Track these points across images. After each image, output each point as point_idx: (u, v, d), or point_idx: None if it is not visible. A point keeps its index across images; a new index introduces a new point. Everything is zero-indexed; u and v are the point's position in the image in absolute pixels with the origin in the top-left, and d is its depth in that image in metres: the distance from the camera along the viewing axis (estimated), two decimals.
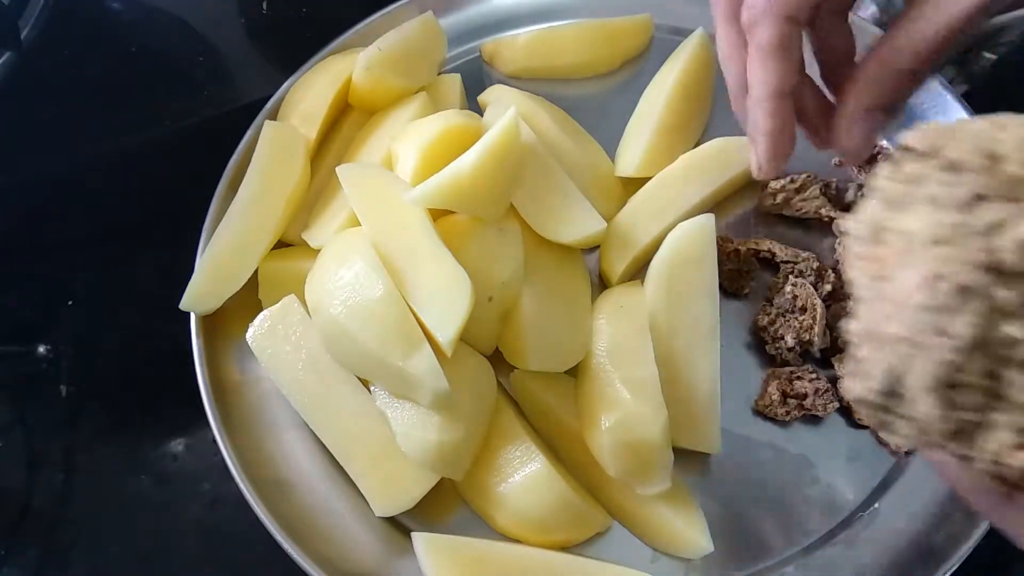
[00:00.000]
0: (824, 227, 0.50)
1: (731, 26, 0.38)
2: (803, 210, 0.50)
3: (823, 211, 0.49)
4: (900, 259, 0.21)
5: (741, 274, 0.49)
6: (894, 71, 0.33)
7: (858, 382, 0.22)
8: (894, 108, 0.34)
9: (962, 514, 0.41)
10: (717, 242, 0.47)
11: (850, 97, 0.34)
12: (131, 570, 0.48)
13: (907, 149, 0.23)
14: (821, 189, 0.50)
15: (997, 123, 0.22)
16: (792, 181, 0.50)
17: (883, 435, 0.22)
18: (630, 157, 0.51)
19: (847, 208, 0.50)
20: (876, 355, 0.21)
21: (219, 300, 0.46)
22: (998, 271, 0.19)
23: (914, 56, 0.32)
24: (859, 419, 0.44)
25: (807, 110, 0.39)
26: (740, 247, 0.49)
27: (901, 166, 0.23)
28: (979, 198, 0.20)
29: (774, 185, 0.50)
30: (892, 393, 0.21)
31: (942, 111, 0.50)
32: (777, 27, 0.34)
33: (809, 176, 0.50)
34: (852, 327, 0.22)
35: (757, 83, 0.36)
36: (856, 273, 0.22)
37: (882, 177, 0.23)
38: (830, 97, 0.38)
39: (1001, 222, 0.20)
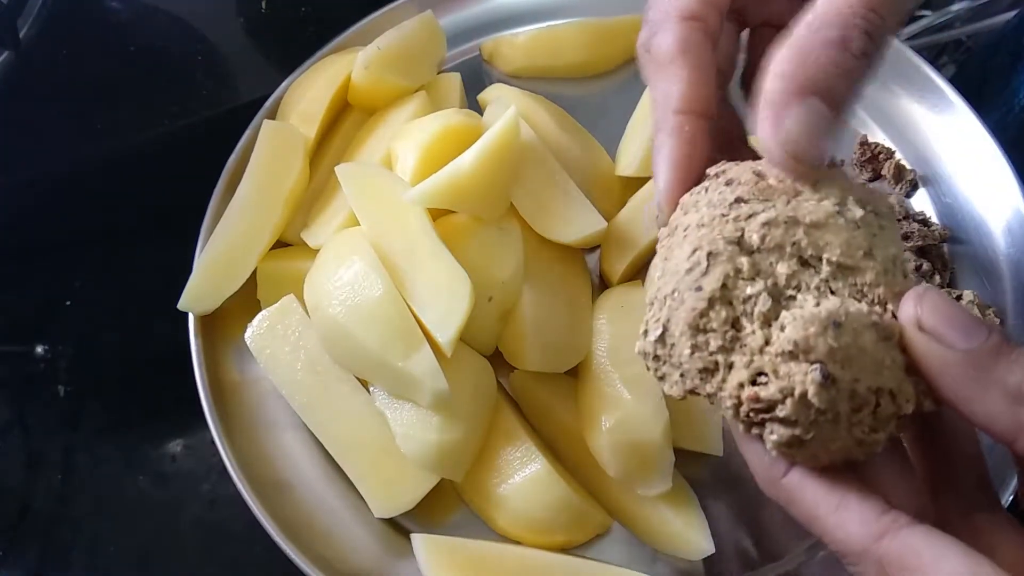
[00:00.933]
0: None
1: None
2: None
3: None
4: (680, 243, 0.27)
5: None
6: (823, 39, 0.24)
7: (641, 339, 0.27)
8: (840, 99, 0.25)
9: None
10: None
11: (776, 77, 0.25)
12: (131, 570, 0.48)
13: (705, 175, 0.29)
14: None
15: None
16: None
17: (663, 388, 0.27)
18: (630, 157, 0.51)
19: None
20: (655, 314, 0.27)
21: (218, 300, 0.46)
22: (743, 246, 0.25)
23: (842, 16, 0.24)
24: None
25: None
26: None
27: (699, 185, 0.29)
28: (740, 200, 0.26)
29: None
30: (663, 341, 0.26)
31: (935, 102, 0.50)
32: (677, 29, 0.29)
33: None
34: (646, 297, 0.28)
35: (659, 98, 0.30)
36: (655, 260, 0.28)
37: (685, 194, 0.29)
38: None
39: (752, 213, 0.26)
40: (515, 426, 0.44)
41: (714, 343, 0.25)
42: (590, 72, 0.57)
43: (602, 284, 0.50)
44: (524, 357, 0.44)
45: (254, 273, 0.47)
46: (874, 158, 0.50)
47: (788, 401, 0.23)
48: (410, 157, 0.45)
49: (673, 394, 0.27)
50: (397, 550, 0.43)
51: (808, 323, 0.23)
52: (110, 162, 0.60)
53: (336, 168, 0.46)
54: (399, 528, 0.44)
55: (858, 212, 0.26)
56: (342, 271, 0.41)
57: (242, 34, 0.65)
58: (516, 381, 0.46)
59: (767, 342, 0.24)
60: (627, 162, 0.51)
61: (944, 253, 0.47)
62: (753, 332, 0.25)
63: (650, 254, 0.47)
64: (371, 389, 0.43)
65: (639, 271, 0.48)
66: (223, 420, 0.45)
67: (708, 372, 0.25)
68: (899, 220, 0.48)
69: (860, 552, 0.23)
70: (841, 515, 0.24)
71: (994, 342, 0.23)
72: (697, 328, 0.25)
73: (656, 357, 0.27)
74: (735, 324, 0.25)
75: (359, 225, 0.44)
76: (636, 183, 0.51)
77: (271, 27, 0.66)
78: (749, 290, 0.25)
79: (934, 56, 0.59)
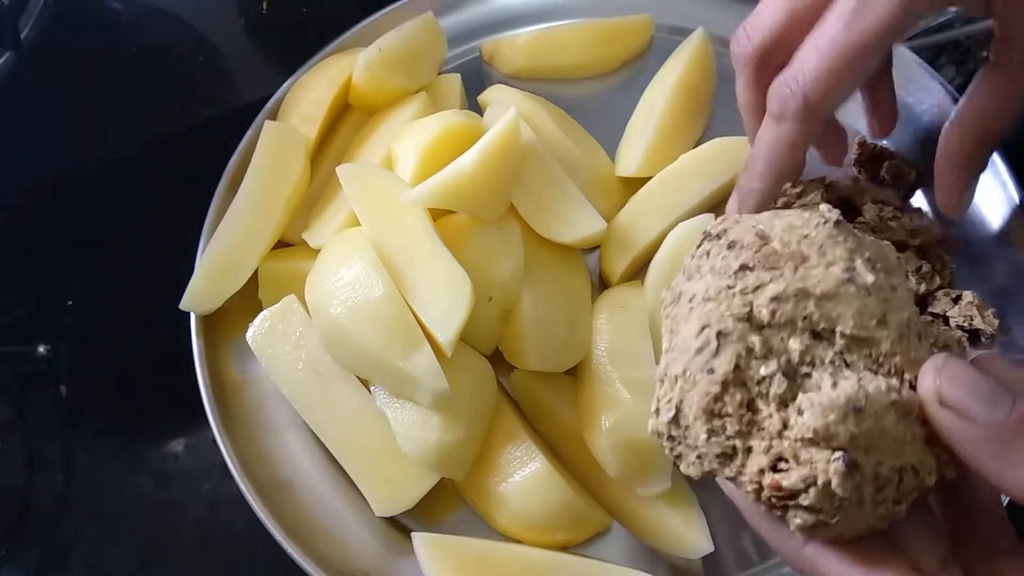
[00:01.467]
0: None
1: (754, 91, 0.38)
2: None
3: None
4: (685, 315, 0.26)
5: None
6: (971, 147, 0.37)
7: (653, 417, 0.27)
8: (980, 166, 0.39)
9: None
10: None
11: (950, 177, 0.39)
12: (131, 570, 0.48)
13: (706, 234, 0.29)
14: (822, 195, 0.49)
15: (777, 213, 0.28)
16: (793, 186, 0.50)
17: (679, 467, 0.27)
18: (630, 157, 0.51)
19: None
20: (666, 393, 0.26)
21: (219, 300, 0.46)
22: (753, 323, 0.25)
23: (988, 134, 0.36)
24: None
25: (823, 142, 0.42)
26: None
27: (700, 247, 0.29)
28: (745, 268, 0.26)
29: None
30: (677, 423, 0.26)
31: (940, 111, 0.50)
32: (803, 130, 0.34)
33: (813, 181, 0.50)
34: (656, 373, 0.27)
35: (764, 161, 0.36)
36: (662, 331, 0.28)
37: (687, 256, 0.29)
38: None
39: (759, 284, 0.25)
40: (515, 426, 0.44)
41: (731, 427, 0.24)
42: (590, 73, 0.57)
43: (602, 284, 0.50)
44: (524, 357, 0.45)
45: (255, 273, 0.47)
46: (873, 158, 0.51)
47: (811, 490, 0.23)
48: (410, 158, 0.45)
49: (691, 475, 0.26)
50: (398, 549, 0.43)
51: (828, 409, 0.23)
52: (111, 162, 0.60)
53: (337, 169, 0.46)
54: (400, 527, 0.44)
55: (869, 278, 0.25)
56: (343, 271, 0.41)
57: (243, 35, 0.65)
58: (516, 381, 0.46)
59: (785, 425, 0.24)
60: (627, 162, 0.52)
61: (943, 253, 0.47)
62: (770, 415, 0.24)
63: (650, 254, 0.48)
64: (372, 389, 0.43)
65: (639, 271, 0.49)
66: (224, 420, 0.45)
67: (726, 456, 0.25)
68: (899, 218, 0.48)
69: None
70: None
71: (1020, 412, 0.22)
72: (712, 412, 0.25)
73: (671, 437, 0.26)
74: (751, 406, 0.24)
75: (360, 225, 0.44)
76: (636, 183, 0.51)
77: (272, 28, 0.66)
78: (763, 370, 0.24)
79: (933, 56, 0.59)
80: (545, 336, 0.45)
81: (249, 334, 0.44)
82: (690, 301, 0.27)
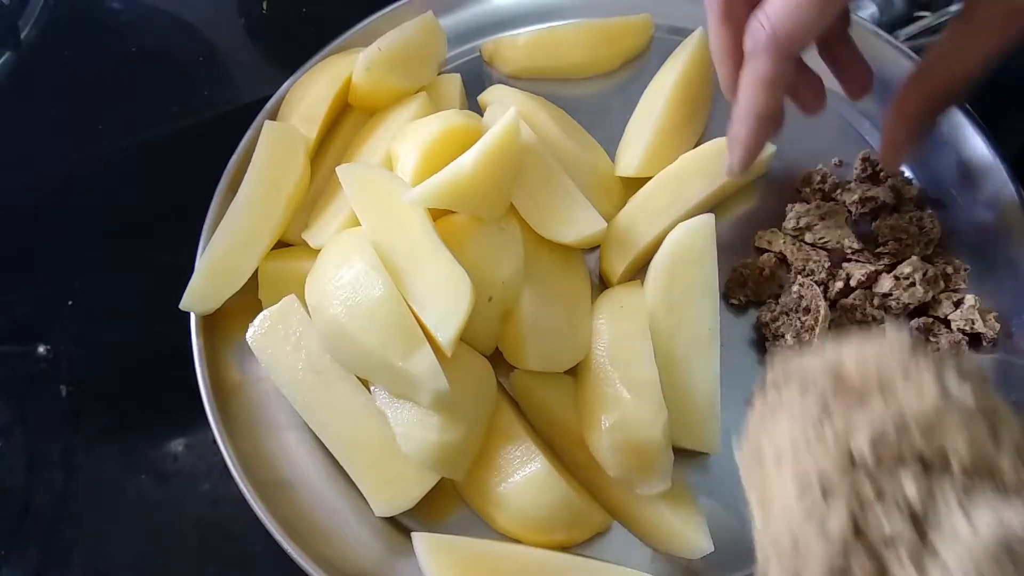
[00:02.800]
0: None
1: (724, 27, 0.40)
2: (825, 239, 0.49)
3: (846, 242, 0.48)
4: (776, 476, 0.24)
5: (765, 280, 0.49)
6: (930, 94, 0.39)
7: None
8: (930, 121, 0.41)
9: None
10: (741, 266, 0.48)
11: (895, 110, 0.41)
12: (131, 570, 0.48)
13: (768, 381, 0.27)
14: (847, 218, 0.49)
15: (837, 343, 0.26)
16: (818, 207, 0.49)
17: None
18: (630, 157, 0.51)
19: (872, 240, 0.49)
20: (776, 568, 0.24)
21: (219, 300, 0.46)
22: (857, 467, 0.22)
23: (948, 83, 0.38)
24: None
25: (799, 89, 0.44)
26: (760, 262, 0.49)
27: (768, 395, 0.26)
28: (828, 410, 0.23)
29: (798, 208, 0.50)
30: None
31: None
32: (774, 65, 0.37)
33: (837, 204, 0.49)
34: (757, 546, 0.25)
35: (745, 103, 0.39)
36: (748, 496, 0.26)
37: (755, 406, 0.27)
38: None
39: (851, 427, 0.22)
40: (515, 426, 0.44)
41: None
42: (590, 73, 0.57)
43: (602, 284, 0.50)
44: (524, 357, 0.45)
45: (255, 273, 0.47)
46: (875, 175, 0.50)
47: None
48: (411, 158, 0.45)
49: None
50: (398, 549, 0.43)
51: (978, 558, 0.20)
52: (111, 162, 0.60)
53: (337, 169, 0.46)
54: (400, 527, 0.44)
55: (967, 395, 0.23)
56: (343, 271, 0.41)
57: (243, 35, 0.65)
58: (516, 381, 0.46)
59: None
60: (627, 162, 0.52)
61: (954, 258, 0.47)
62: (901, 570, 0.21)
63: (650, 254, 0.48)
64: (372, 389, 0.43)
65: (639, 271, 0.49)
66: (224, 420, 0.45)
67: None
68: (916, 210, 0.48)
69: None
70: None
71: None
72: (840, 573, 0.21)
73: None
74: (880, 559, 0.21)
75: (360, 225, 0.44)
76: (636, 183, 0.51)
77: (272, 28, 0.66)
78: (887, 527, 0.21)
79: None
80: (545, 336, 0.45)
81: (249, 334, 0.44)
82: (777, 459, 0.24)
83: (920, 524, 0.21)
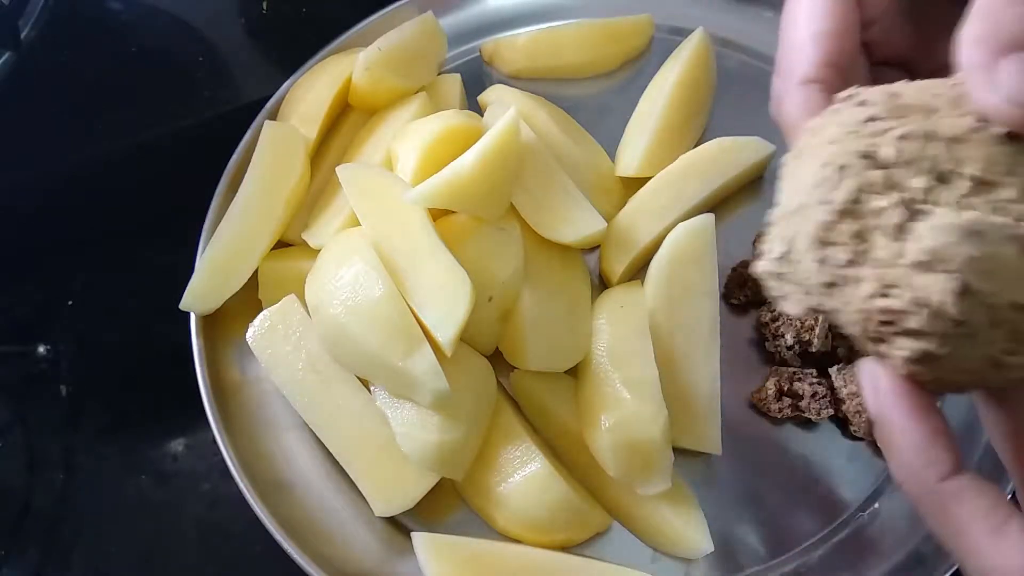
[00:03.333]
0: None
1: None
2: None
3: None
4: (805, 162, 0.26)
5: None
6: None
7: (763, 259, 0.27)
8: None
9: None
10: (739, 270, 0.48)
11: (974, 44, 0.24)
12: (131, 570, 0.48)
13: (837, 99, 0.28)
14: None
15: (912, 83, 0.27)
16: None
17: (781, 307, 0.27)
18: (630, 157, 0.51)
19: None
20: (778, 232, 0.26)
21: (219, 300, 0.46)
22: (876, 160, 0.24)
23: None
24: (854, 431, 0.44)
25: None
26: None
27: (829, 111, 0.27)
28: (873, 119, 0.25)
29: None
30: (786, 259, 0.25)
31: None
32: (798, 95, 0.29)
33: None
34: (770, 219, 0.27)
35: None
36: (780, 183, 0.27)
37: (816, 118, 0.28)
38: None
39: (887, 129, 0.24)
40: (515, 426, 0.44)
41: (841, 256, 0.24)
42: (590, 73, 0.57)
43: (602, 284, 0.50)
44: (524, 357, 0.45)
45: (255, 273, 0.47)
46: None
47: (921, 312, 0.22)
48: (411, 158, 0.45)
49: (794, 312, 0.26)
50: (398, 549, 0.43)
51: (946, 232, 0.22)
52: (111, 163, 0.60)
53: (337, 169, 0.46)
54: (400, 527, 0.44)
55: (1001, 129, 0.24)
56: (343, 271, 0.41)
57: (243, 35, 0.65)
58: (516, 381, 0.46)
59: (899, 255, 0.23)
60: (627, 162, 0.52)
61: None
62: (884, 245, 0.23)
63: (650, 254, 0.48)
64: (372, 389, 0.43)
65: (639, 271, 0.49)
66: (224, 420, 0.45)
67: (834, 287, 0.24)
68: None
69: None
70: (999, 542, 0.22)
71: None
72: (823, 241, 0.24)
73: (778, 275, 0.26)
74: (864, 237, 0.24)
75: (360, 225, 0.44)
76: (636, 183, 0.51)
77: (272, 28, 0.66)
78: (882, 203, 0.23)
79: None
80: (545, 336, 0.45)
81: (249, 334, 0.44)
82: (813, 152, 0.26)
83: (912, 212, 0.23)
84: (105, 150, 0.60)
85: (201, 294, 0.46)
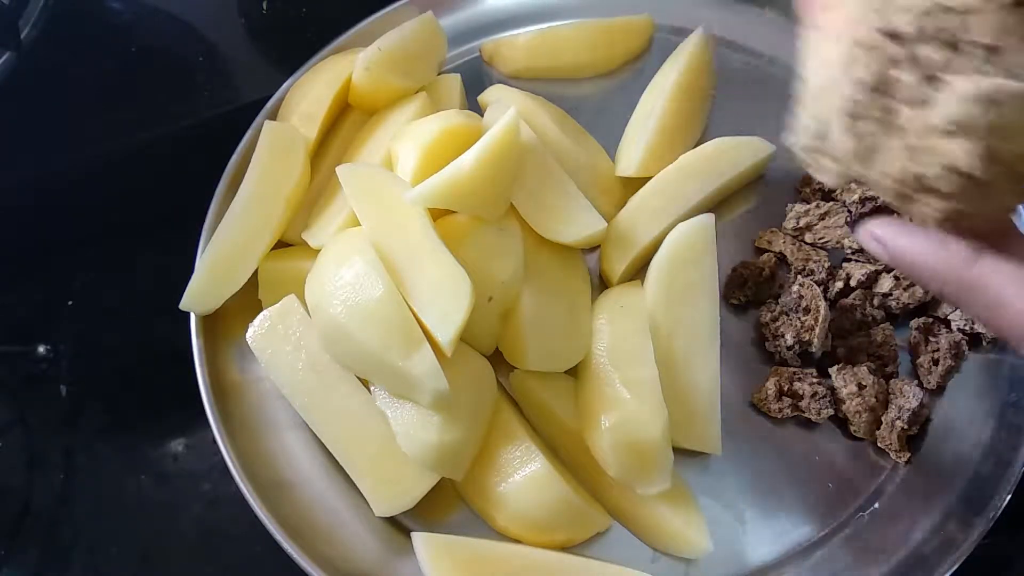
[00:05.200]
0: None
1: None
2: (825, 239, 0.49)
3: (845, 242, 0.48)
4: (828, 35, 0.27)
5: (765, 281, 0.49)
6: None
7: (799, 132, 0.29)
8: None
9: (960, 516, 0.42)
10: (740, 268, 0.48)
11: None
12: (131, 570, 0.48)
13: None
14: (847, 218, 0.49)
15: None
16: (818, 207, 0.49)
17: (817, 176, 0.30)
18: (630, 157, 0.51)
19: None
20: (808, 107, 0.28)
21: (219, 300, 0.46)
22: (896, 37, 0.26)
23: None
24: (854, 431, 0.44)
25: None
26: (759, 262, 0.49)
27: None
28: (893, 3, 0.26)
29: (798, 208, 0.50)
30: (818, 133, 0.28)
31: None
32: None
33: (836, 203, 0.49)
34: (800, 96, 0.29)
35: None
36: (804, 56, 0.29)
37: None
38: None
39: (904, 6, 0.26)
40: (515, 426, 0.44)
41: (871, 128, 0.26)
42: (590, 73, 0.57)
43: (602, 284, 0.50)
44: (524, 357, 0.45)
45: (255, 273, 0.47)
46: (874, 198, 0.50)
47: (951, 176, 0.24)
48: (411, 158, 0.45)
49: (830, 182, 0.28)
50: (398, 548, 0.43)
51: (967, 101, 0.24)
52: (110, 162, 0.60)
53: (337, 169, 0.46)
54: (400, 527, 0.44)
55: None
56: (343, 271, 0.41)
57: (243, 35, 0.65)
58: (516, 381, 0.46)
59: (925, 125, 0.25)
60: (627, 162, 0.52)
61: None
62: (911, 116, 0.25)
63: (650, 254, 0.48)
64: (372, 389, 0.43)
65: (639, 271, 0.49)
66: (224, 420, 0.45)
67: (866, 158, 0.26)
68: None
69: None
70: None
71: None
72: (854, 116, 0.26)
73: (813, 149, 0.28)
74: (891, 109, 0.26)
75: (360, 225, 0.44)
76: (636, 183, 0.51)
77: (272, 28, 0.66)
78: (905, 77, 0.25)
79: None
80: (545, 336, 0.45)
81: (249, 334, 0.44)
82: (837, 33, 0.27)
83: (933, 83, 0.25)
84: (105, 150, 0.60)
85: (201, 294, 0.46)
